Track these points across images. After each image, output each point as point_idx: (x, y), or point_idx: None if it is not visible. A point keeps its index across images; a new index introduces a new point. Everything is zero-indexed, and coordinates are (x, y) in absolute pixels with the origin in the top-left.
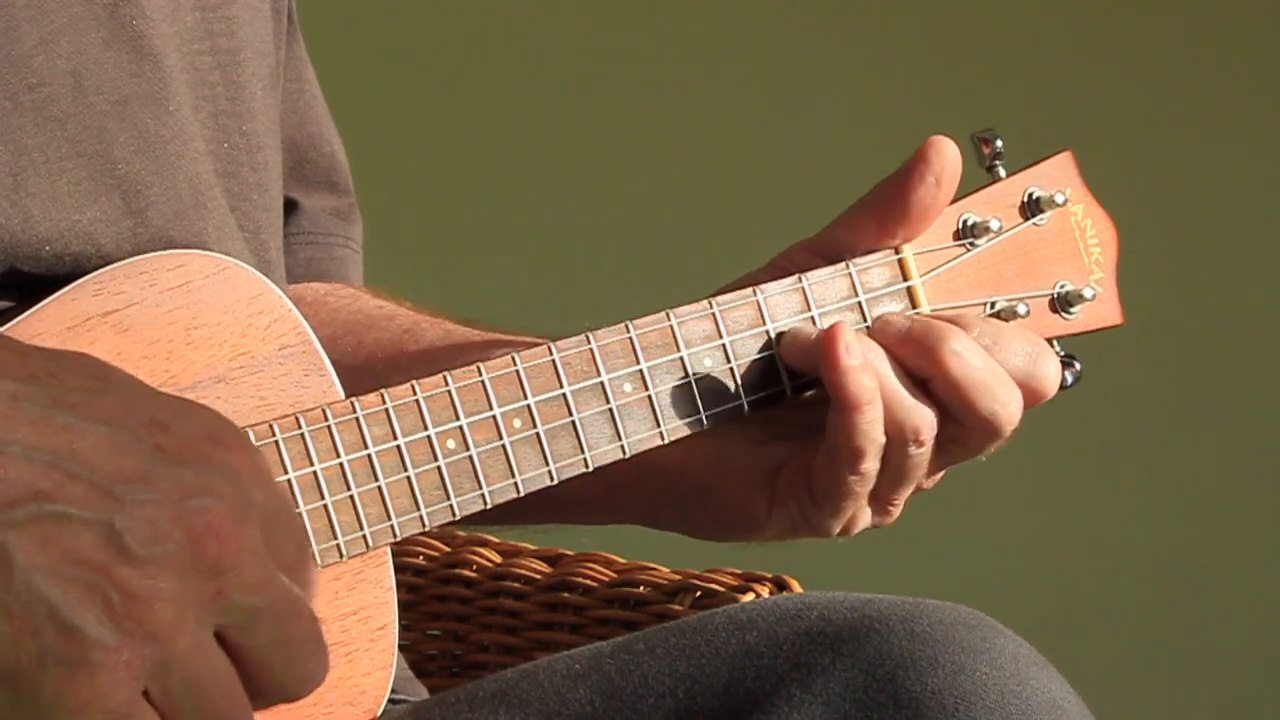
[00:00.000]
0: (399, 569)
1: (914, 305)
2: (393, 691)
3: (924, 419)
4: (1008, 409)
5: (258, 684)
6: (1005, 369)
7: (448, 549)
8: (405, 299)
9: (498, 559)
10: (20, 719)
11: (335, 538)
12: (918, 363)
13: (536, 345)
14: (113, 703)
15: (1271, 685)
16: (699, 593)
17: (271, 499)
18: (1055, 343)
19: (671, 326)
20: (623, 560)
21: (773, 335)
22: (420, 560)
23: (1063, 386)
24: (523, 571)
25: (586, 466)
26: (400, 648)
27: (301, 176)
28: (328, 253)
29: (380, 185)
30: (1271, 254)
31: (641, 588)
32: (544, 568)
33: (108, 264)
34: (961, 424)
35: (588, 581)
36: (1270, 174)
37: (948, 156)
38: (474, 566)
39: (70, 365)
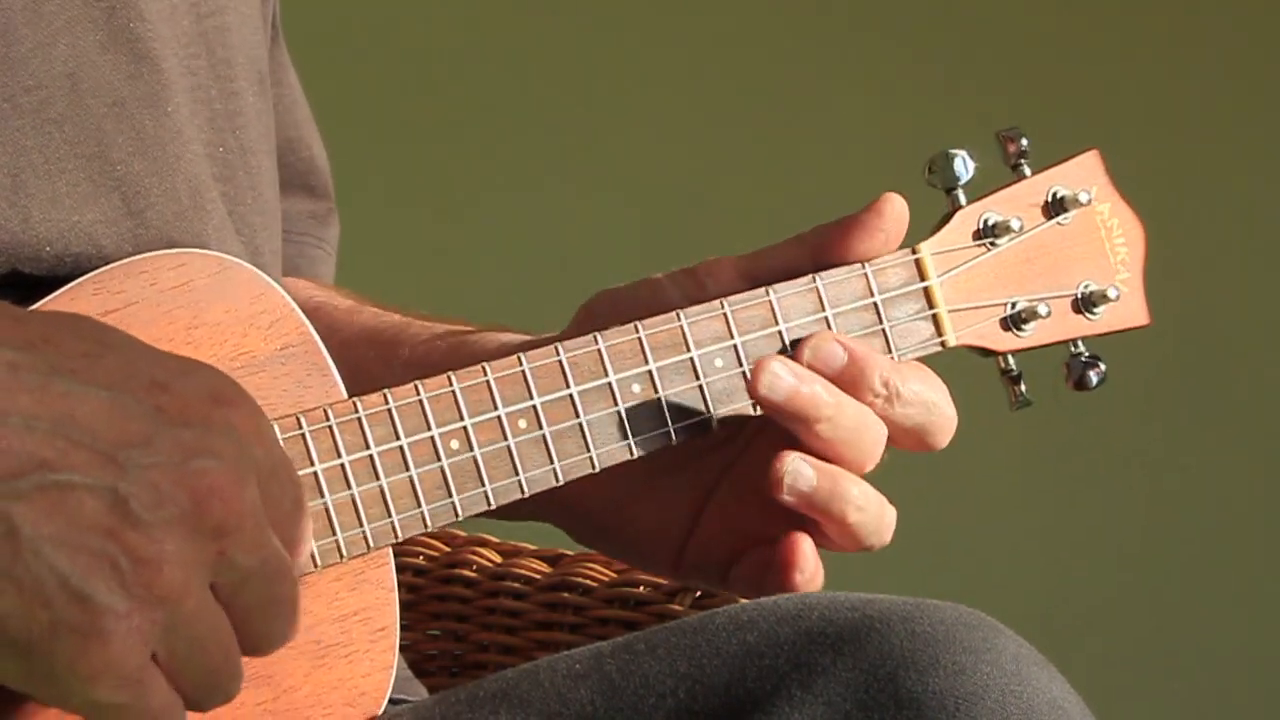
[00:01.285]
0: (399, 569)
1: (931, 306)
2: (392, 692)
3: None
4: (871, 459)
5: (238, 639)
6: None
7: (448, 549)
8: (374, 295)
9: (498, 559)
10: (33, 689)
11: (335, 537)
12: (793, 431)
13: (449, 325)
14: (126, 669)
15: (1272, 685)
16: (699, 593)
17: (269, 455)
18: (1080, 343)
19: (681, 327)
20: None
21: (785, 336)
22: (420, 560)
23: (1089, 388)
24: (523, 571)
25: (593, 467)
26: (400, 648)
27: (280, 179)
28: (300, 250)
29: (372, 187)
30: None
31: (641, 588)
32: (544, 568)
33: (108, 264)
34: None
35: (588, 581)
36: None
37: (901, 217)
38: (474, 566)
39: (68, 329)
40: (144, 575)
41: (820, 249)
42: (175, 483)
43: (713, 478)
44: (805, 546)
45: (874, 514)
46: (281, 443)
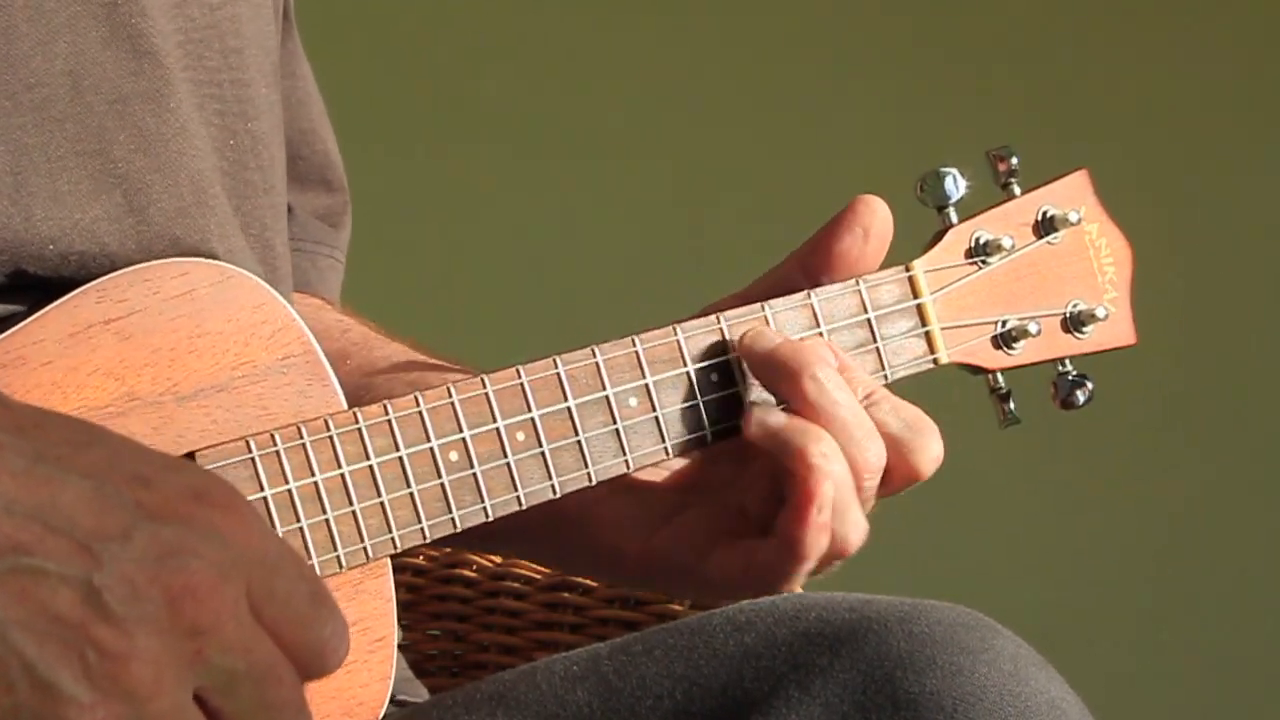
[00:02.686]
0: (399, 569)
1: (924, 323)
2: (392, 692)
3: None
4: (865, 455)
5: None
6: (875, 422)
7: (448, 549)
8: (382, 305)
9: (498, 559)
10: None
11: (335, 549)
12: (777, 386)
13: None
14: None
15: (1271, 686)
16: None
17: (269, 552)
18: (1068, 362)
19: (678, 341)
20: None
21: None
22: (420, 560)
23: (1075, 406)
24: (523, 571)
25: (590, 481)
26: (400, 648)
27: (295, 174)
28: (313, 262)
29: (379, 185)
30: None
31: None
32: (544, 568)
33: (113, 262)
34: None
35: (588, 581)
36: None
37: (877, 213)
38: (474, 566)
39: (56, 419)
40: (112, 669)
41: (807, 257)
42: (150, 579)
43: (695, 494)
44: (826, 485)
45: (841, 475)
46: (282, 453)
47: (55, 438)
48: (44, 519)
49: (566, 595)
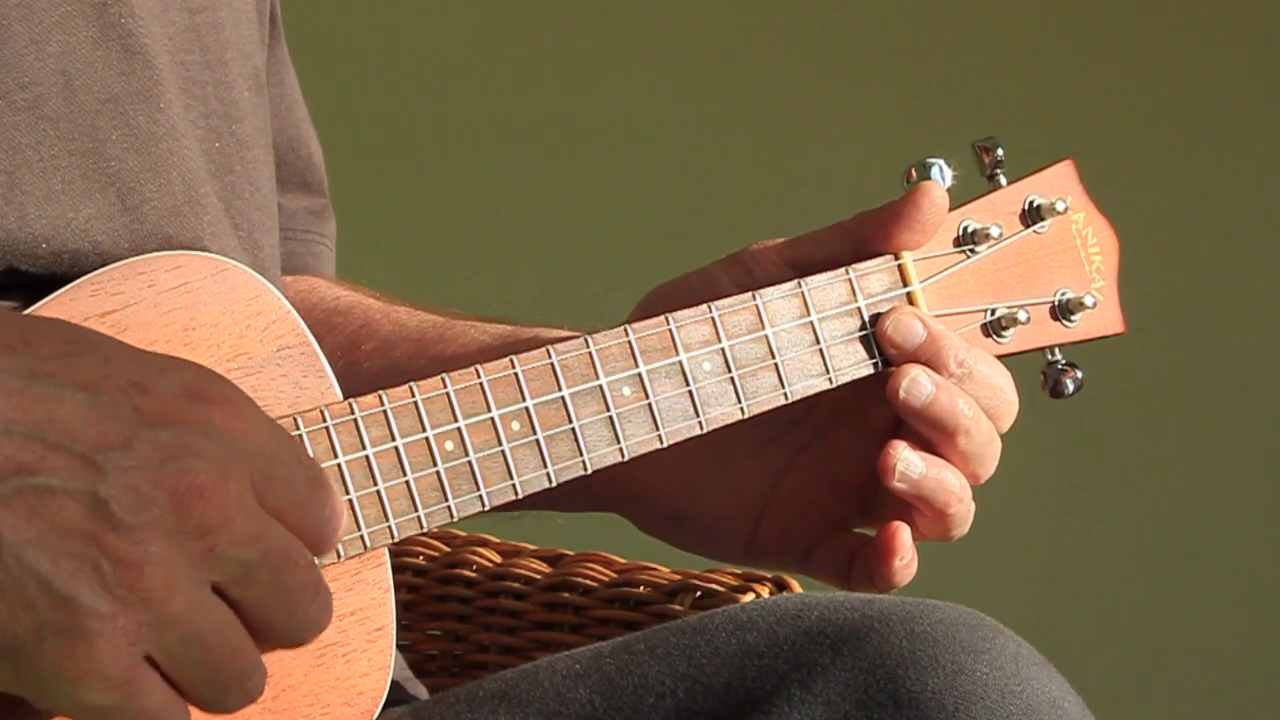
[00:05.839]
0: (399, 569)
1: None
2: (393, 692)
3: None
4: (987, 471)
5: (261, 633)
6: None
7: (448, 549)
8: (367, 286)
9: (498, 559)
10: (22, 691)
11: None
12: (930, 436)
13: (497, 326)
14: (113, 669)
15: (1271, 685)
16: (699, 593)
17: (266, 441)
18: (1057, 350)
19: (670, 330)
20: (623, 560)
21: (771, 340)
22: (420, 560)
23: (1064, 395)
24: (523, 571)
25: (585, 469)
26: (400, 648)
27: (278, 177)
28: (306, 248)
29: (376, 186)
30: (1273, 262)
31: (641, 588)
32: (544, 568)
33: (106, 261)
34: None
35: (588, 581)
36: (1271, 181)
37: (940, 211)
38: (474, 566)
39: (44, 331)
40: (126, 577)
41: (860, 238)
42: (154, 484)
43: (784, 461)
44: (904, 535)
45: (968, 505)
46: None
47: (46, 352)
48: (43, 436)
49: (566, 595)
